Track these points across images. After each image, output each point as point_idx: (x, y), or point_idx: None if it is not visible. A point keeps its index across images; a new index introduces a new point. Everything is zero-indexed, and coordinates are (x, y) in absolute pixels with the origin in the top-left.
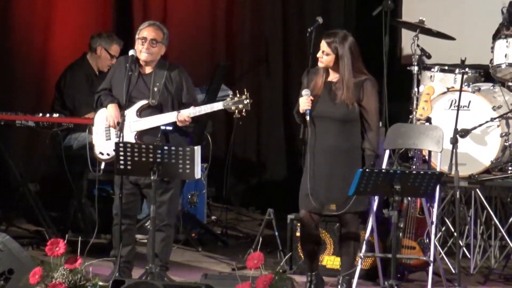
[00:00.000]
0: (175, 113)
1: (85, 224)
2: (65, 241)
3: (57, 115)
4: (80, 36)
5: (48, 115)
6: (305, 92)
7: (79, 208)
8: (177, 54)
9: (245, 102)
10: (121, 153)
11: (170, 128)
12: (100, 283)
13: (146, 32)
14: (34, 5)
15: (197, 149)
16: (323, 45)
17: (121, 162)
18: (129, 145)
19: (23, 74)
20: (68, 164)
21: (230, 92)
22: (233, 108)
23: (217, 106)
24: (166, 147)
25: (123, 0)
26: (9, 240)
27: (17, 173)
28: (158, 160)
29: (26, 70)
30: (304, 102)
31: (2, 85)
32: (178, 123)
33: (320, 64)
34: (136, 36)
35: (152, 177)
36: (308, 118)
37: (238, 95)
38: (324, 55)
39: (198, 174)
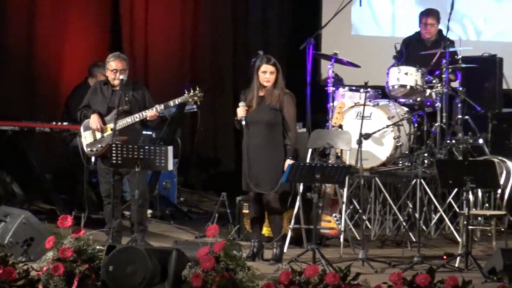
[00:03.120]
0: (147, 111)
1: (86, 204)
2: (72, 217)
3: (66, 123)
4: (84, 64)
5: (59, 123)
6: (241, 104)
7: (82, 192)
8: (155, 77)
9: (199, 94)
10: (114, 151)
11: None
12: (98, 247)
13: (114, 64)
14: (50, 42)
15: (170, 148)
16: (269, 67)
17: (114, 157)
18: (120, 145)
19: (42, 93)
20: (74, 159)
21: (195, 106)
22: (190, 100)
23: (178, 100)
24: (147, 147)
25: (116, 34)
26: (30, 216)
27: (36, 166)
28: (141, 156)
29: (44, 90)
30: (241, 111)
31: (26, 101)
32: (148, 118)
33: (268, 84)
34: (106, 66)
35: (136, 169)
36: (244, 123)
37: (192, 91)
38: (271, 75)
39: (170, 166)
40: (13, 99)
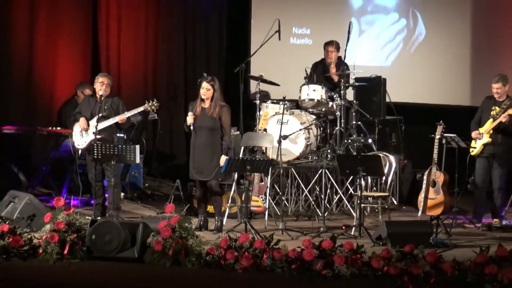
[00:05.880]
0: (117, 116)
1: (75, 189)
2: (64, 198)
3: (59, 128)
4: (72, 83)
5: (54, 128)
6: (190, 113)
7: (71, 180)
8: (125, 91)
9: (155, 104)
10: (95, 149)
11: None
12: (84, 220)
13: (101, 79)
14: (45, 66)
15: (137, 147)
16: (205, 84)
17: (95, 153)
18: (100, 144)
19: (39, 105)
20: (64, 155)
21: (155, 115)
22: (149, 108)
23: (140, 109)
24: (120, 146)
25: (95, 59)
26: (33, 197)
27: (36, 159)
28: (116, 153)
29: (41, 103)
30: (189, 119)
31: (28, 111)
32: (119, 121)
33: (204, 97)
34: (96, 81)
35: (113, 162)
36: (192, 128)
37: (150, 101)
38: (207, 91)
39: (138, 160)
40: (18, 110)
